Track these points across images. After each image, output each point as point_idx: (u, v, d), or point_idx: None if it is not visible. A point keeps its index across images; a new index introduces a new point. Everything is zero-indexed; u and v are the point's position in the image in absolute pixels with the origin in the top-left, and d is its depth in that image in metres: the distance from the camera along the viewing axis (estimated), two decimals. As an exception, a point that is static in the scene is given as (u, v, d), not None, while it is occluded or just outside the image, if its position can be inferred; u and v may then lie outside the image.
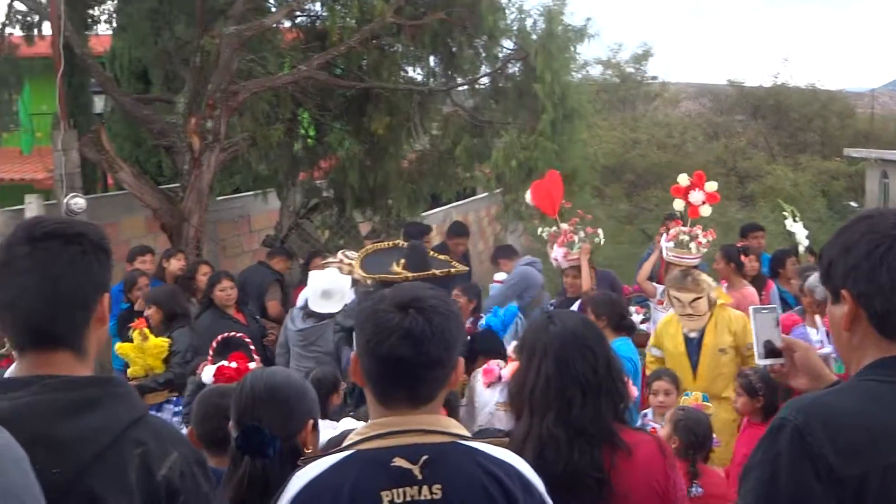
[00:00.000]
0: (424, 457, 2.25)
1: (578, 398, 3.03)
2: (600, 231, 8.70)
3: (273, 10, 12.96)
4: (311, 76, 12.15)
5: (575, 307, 7.47)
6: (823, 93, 37.39)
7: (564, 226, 8.60)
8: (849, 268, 2.09)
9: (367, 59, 13.17)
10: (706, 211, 8.22)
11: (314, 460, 2.36)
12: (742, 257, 8.59)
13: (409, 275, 6.95)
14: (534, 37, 12.93)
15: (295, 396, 3.13)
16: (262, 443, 2.96)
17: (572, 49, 13.31)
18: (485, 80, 13.91)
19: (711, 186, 8.26)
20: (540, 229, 9.18)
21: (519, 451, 2.53)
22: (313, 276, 8.01)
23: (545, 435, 3.01)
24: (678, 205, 8.36)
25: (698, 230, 8.06)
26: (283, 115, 13.02)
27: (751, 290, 8.28)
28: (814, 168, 31.40)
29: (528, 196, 9.13)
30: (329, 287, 7.69)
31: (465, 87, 14.15)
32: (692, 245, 7.93)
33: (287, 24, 13.58)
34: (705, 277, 7.00)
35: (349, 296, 7.73)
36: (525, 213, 12.51)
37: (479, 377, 5.97)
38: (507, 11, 13.37)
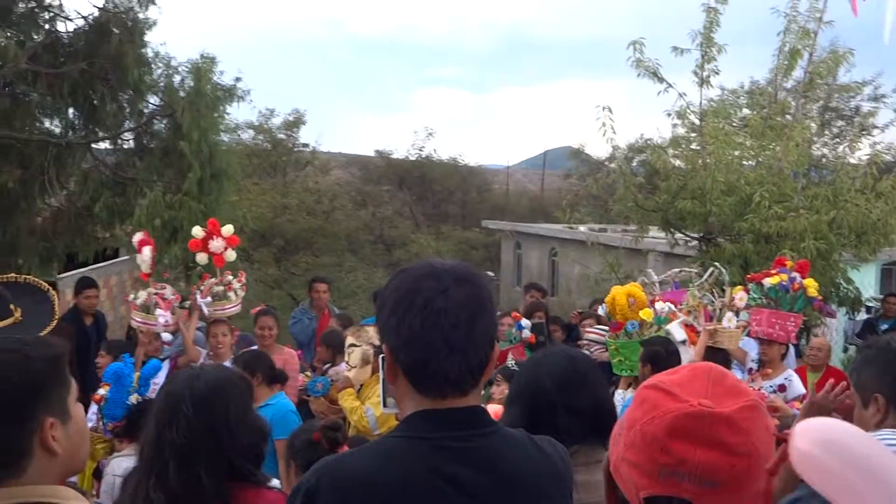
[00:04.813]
0: None
1: (173, 465, 2.95)
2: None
3: None
4: (-70, 121, 11.11)
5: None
6: (464, 167, 39.63)
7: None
8: (382, 323, 2.11)
9: (-2, 107, 12.26)
10: (231, 256, 7.84)
11: None
12: None
13: None
14: (181, 94, 12.59)
15: None
16: None
17: (221, 108, 13.08)
18: (129, 135, 13.34)
19: (228, 230, 7.87)
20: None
21: None
22: None
23: (145, 497, 2.93)
24: (201, 258, 7.85)
25: (229, 276, 7.81)
26: None
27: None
28: (455, 237, 33.02)
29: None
30: None
31: (108, 141, 13.48)
32: (230, 294, 7.72)
33: None
34: None
35: None
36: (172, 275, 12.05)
37: None
38: (153, 66, 12.95)
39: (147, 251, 7.54)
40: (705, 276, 7.75)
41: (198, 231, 7.63)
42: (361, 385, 6.86)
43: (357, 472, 2.01)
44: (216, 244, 7.74)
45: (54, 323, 5.88)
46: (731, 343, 7.20)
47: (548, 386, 2.99)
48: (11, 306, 5.95)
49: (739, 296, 7.43)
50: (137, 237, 7.86)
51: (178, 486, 2.92)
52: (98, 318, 10.04)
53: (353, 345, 6.88)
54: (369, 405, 6.60)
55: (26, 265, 13.45)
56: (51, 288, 6.35)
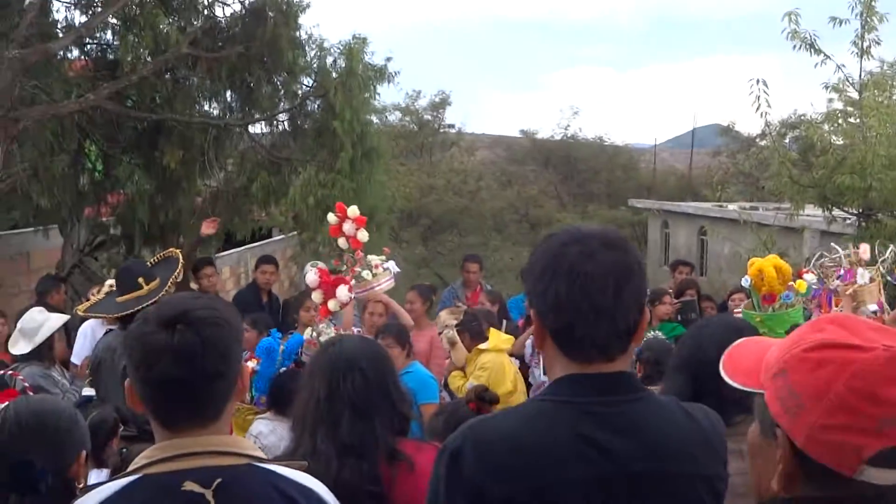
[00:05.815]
0: (218, 480, 2.08)
1: (347, 416, 3.06)
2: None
3: (60, 35, 12.31)
4: (99, 106, 11.59)
5: None
6: (610, 147, 39.25)
7: None
8: (530, 288, 2.15)
9: (161, 91, 12.73)
10: (364, 235, 7.62)
11: (95, 487, 2.14)
12: None
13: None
14: (334, 74, 12.85)
15: (66, 426, 2.87)
16: (31, 478, 2.67)
17: (372, 88, 13.28)
18: (283, 116, 13.67)
19: (353, 212, 7.62)
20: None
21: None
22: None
23: (311, 450, 3.03)
24: (342, 243, 7.64)
25: (370, 257, 7.69)
26: (67, 146, 12.37)
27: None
28: (601, 217, 32.74)
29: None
30: (24, 326, 6.77)
31: (263, 122, 13.86)
32: (365, 273, 7.51)
33: (75, 51, 12.97)
34: None
35: (45, 334, 6.74)
36: (325, 253, 12.28)
37: None
38: (307, 48, 13.25)
39: (344, 291, 7.28)
40: (888, 253, 7.54)
41: (332, 218, 7.64)
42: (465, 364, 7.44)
43: (502, 433, 2.03)
44: (348, 227, 7.69)
45: (163, 292, 6.15)
46: (872, 297, 7.05)
47: (712, 355, 2.97)
48: (140, 279, 6.22)
49: (863, 248, 7.28)
50: (312, 277, 7.45)
51: (350, 437, 3.03)
52: (272, 296, 10.30)
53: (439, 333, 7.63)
54: (472, 380, 6.84)
55: (187, 243, 13.95)
56: (181, 261, 6.62)
